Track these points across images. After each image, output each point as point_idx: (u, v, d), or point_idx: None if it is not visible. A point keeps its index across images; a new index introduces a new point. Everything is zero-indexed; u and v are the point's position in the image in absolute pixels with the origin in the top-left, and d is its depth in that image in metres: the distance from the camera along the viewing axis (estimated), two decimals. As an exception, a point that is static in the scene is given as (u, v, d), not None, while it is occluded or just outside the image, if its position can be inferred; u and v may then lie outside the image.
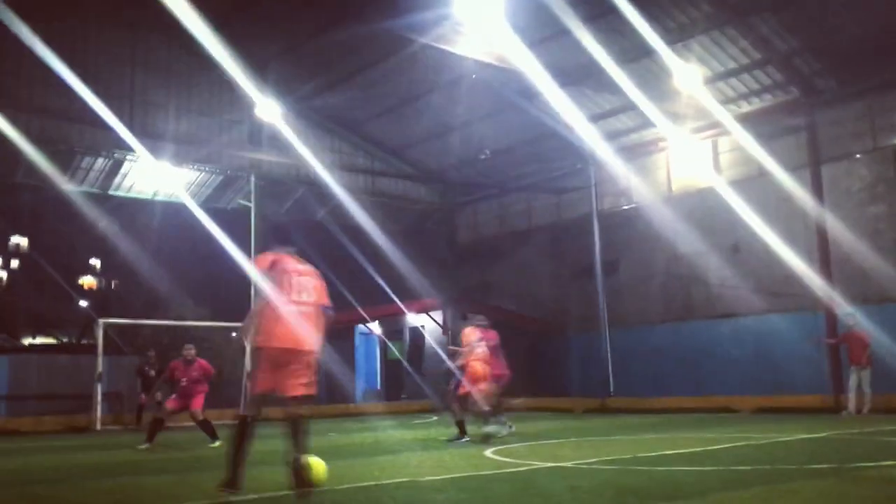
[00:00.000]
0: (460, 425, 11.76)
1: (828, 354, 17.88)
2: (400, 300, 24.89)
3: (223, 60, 19.51)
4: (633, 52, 19.03)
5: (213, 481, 6.19)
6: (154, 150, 21.25)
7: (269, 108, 22.11)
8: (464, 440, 11.52)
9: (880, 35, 17.10)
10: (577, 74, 19.84)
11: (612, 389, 22.42)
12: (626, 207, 23.54)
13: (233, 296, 22.42)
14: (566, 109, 22.02)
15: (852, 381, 15.70)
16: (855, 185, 18.50)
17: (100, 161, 21.60)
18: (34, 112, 19.67)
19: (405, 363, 27.04)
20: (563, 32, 18.18)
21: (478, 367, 11.91)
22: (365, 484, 7.08)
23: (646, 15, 17.78)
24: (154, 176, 22.62)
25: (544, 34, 18.46)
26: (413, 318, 27.11)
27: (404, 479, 7.24)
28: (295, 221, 24.59)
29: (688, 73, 18.73)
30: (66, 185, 22.44)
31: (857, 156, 18.55)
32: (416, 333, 27.31)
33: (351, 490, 6.73)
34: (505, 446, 10.67)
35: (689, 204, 21.41)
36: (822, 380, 17.97)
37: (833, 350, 17.53)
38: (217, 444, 11.19)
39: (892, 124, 18.17)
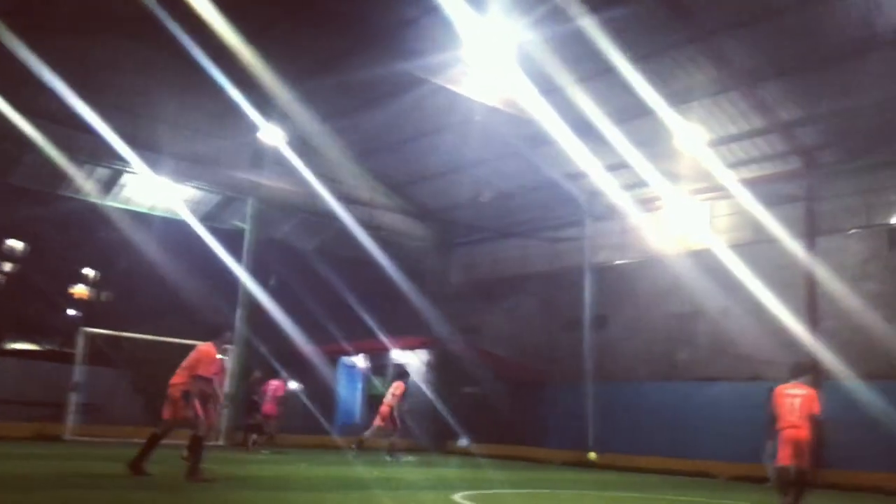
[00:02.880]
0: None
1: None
2: (387, 336, 24.75)
3: (231, 82, 19.66)
4: (636, 110, 19.17)
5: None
6: (154, 164, 21.29)
7: (273, 133, 22.24)
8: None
9: (883, 114, 17.32)
10: (581, 127, 19.97)
11: (591, 444, 22.18)
12: (619, 262, 23.56)
13: (222, 315, 22.26)
14: (567, 160, 22.21)
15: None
16: (848, 260, 18.53)
17: (99, 170, 21.62)
18: (36, 115, 19.68)
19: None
20: (569, 85, 18.41)
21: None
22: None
23: (651, 75, 18.01)
24: (152, 190, 22.65)
25: (551, 85, 18.64)
26: (399, 355, 26.95)
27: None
28: (289, 248, 24.55)
29: (689, 134, 18.89)
30: (64, 192, 22.43)
31: (852, 231, 18.63)
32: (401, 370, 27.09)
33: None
34: (477, 492, 10.52)
35: (682, 264, 21.39)
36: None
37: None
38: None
39: (889, 203, 18.30)
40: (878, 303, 17.52)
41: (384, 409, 18.05)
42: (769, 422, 10.09)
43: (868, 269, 18.17)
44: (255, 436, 18.78)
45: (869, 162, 18.26)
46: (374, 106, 22.24)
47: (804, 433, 9.67)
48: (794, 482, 9.81)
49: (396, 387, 18.31)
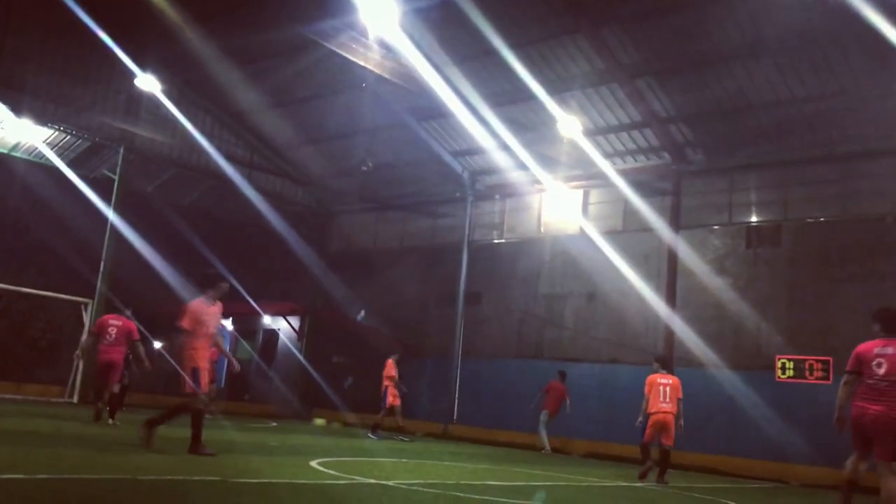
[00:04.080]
0: None
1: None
2: (258, 300, 24.24)
3: (107, 25, 18.62)
4: (519, 94, 19.44)
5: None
6: (16, 103, 19.93)
7: (149, 82, 21.23)
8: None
9: (750, 117, 18.31)
10: (467, 106, 20.10)
11: (455, 417, 22.63)
12: (496, 242, 24.00)
13: (77, 267, 21.12)
14: (453, 138, 22.36)
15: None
16: (708, 255, 19.55)
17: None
18: None
19: (260, 363, 26.39)
20: (455, 63, 18.53)
21: None
22: (173, 477, 6.79)
23: (536, 60, 18.31)
24: (15, 129, 21.23)
25: (438, 61, 18.65)
26: (269, 321, 26.56)
27: (215, 479, 6.97)
28: (160, 204, 23.53)
29: (569, 122, 19.33)
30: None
31: (715, 227, 19.66)
32: (271, 336, 26.75)
33: (158, 482, 6.43)
34: (335, 459, 10.52)
35: (555, 248, 22.06)
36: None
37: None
38: None
39: (749, 203, 19.38)
40: (733, 296, 18.58)
41: (385, 388, 17.81)
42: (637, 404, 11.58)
43: (725, 265, 19.23)
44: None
45: (733, 162, 19.29)
46: (261, 63, 21.60)
47: (671, 417, 11.56)
48: (659, 458, 11.57)
49: (390, 366, 18.06)
